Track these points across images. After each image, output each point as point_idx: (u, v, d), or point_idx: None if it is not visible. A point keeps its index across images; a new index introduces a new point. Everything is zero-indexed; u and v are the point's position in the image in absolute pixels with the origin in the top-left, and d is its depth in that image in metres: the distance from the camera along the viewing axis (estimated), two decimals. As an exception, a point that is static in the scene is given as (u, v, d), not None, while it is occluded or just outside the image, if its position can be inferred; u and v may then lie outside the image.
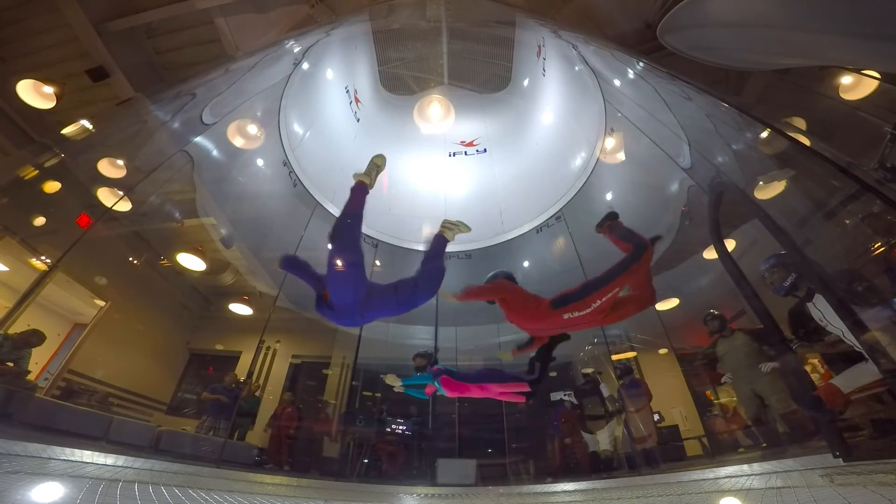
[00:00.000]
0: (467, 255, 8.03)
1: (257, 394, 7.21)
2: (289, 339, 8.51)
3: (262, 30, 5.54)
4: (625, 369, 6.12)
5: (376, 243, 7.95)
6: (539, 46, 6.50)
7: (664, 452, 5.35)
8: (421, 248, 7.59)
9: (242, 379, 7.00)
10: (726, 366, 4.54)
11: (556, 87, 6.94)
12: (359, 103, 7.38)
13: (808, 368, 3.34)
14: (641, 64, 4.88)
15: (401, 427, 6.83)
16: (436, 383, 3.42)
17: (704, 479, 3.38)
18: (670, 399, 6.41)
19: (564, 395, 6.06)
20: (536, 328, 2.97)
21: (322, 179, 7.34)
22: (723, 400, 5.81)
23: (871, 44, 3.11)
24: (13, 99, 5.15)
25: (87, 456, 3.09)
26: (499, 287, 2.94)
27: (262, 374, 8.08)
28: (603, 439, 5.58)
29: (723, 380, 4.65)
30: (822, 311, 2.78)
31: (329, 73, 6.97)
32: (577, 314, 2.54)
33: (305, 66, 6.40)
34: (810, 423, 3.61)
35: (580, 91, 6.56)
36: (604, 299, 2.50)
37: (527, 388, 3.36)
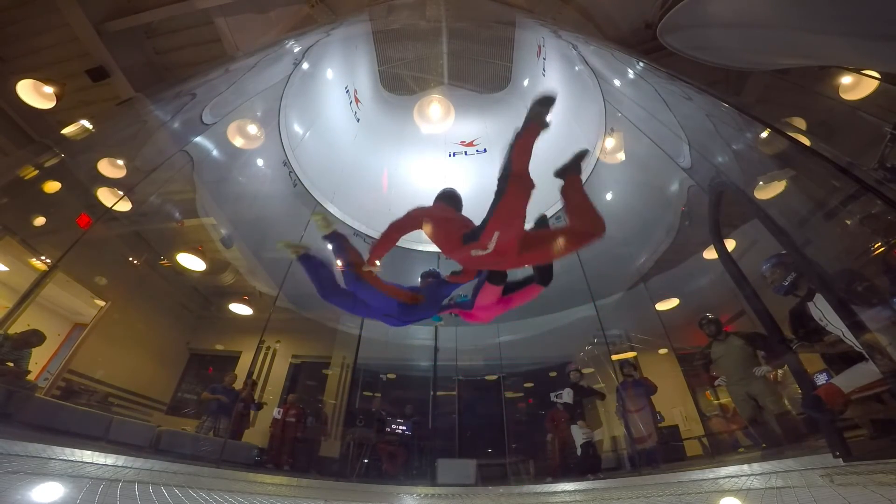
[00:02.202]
0: (467, 255, 8.02)
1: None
2: (289, 339, 8.52)
3: (262, 30, 5.53)
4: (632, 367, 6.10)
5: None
6: (539, 46, 6.51)
7: (664, 452, 5.36)
8: (421, 247, 7.60)
9: (242, 380, 6.99)
10: (721, 369, 4.57)
11: (556, 86, 6.94)
12: (359, 103, 7.39)
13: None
14: (641, 64, 4.88)
15: (401, 427, 6.83)
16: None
17: (704, 479, 3.38)
18: (670, 399, 6.42)
19: (554, 396, 6.06)
20: (455, 259, 2.70)
21: (322, 179, 7.34)
22: (723, 400, 5.82)
23: (871, 44, 3.11)
24: (13, 99, 5.15)
25: (87, 456, 3.09)
26: (415, 217, 2.69)
27: (262, 374, 8.09)
28: (577, 438, 5.59)
29: (716, 382, 4.70)
30: (822, 310, 2.78)
31: (329, 73, 6.97)
32: (481, 252, 2.34)
33: (305, 66, 6.41)
34: (803, 424, 3.64)
35: (580, 91, 6.57)
36: (493, 240, 2.24)
37: (538, 289, 3.11)
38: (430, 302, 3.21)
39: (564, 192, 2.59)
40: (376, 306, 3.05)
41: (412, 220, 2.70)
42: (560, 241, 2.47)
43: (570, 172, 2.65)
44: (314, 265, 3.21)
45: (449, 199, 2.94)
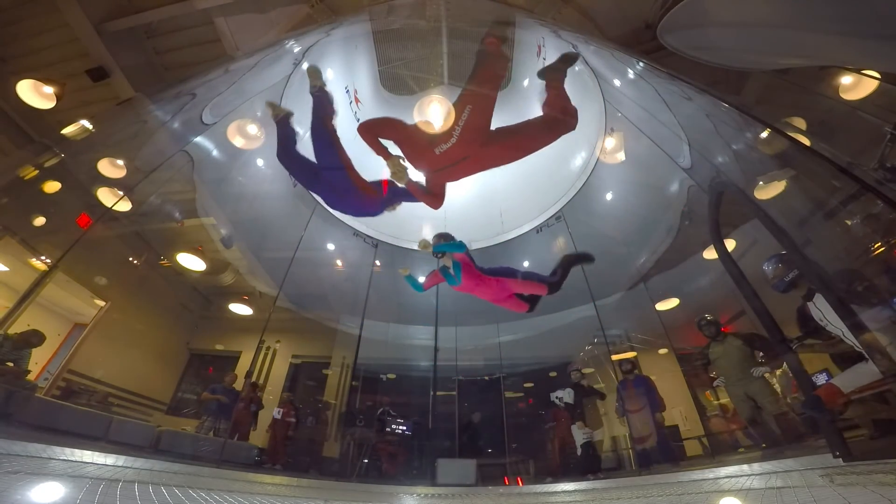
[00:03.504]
0: (467, 255, 8.03)
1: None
2: (289, 339, 8.52)
3: (262, 30, 5.53)
4: (632, 365, 6.09)
5: (376, 243, 7.95)
6: (539, 46, 6.49)
7: (665, 452, 5.36)
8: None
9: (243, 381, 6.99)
10: (719, 369, 4.59)
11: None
12: (359, 103, 7.38)
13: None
14: (641, 64, 4.87)
15: (401, 427, 6.83)
16: (452, 269, 3.45)
17: (704, 479, 3.38)
18: (670, 399, 6.41)
19: (555, 397, 6.08)
20: (420, 166, 3.00)
21: (322, 179, 7.33)
22: (722, 400, 5.82)
23: (871, 44, 3.11)
24: (13, 99, 5.15)
25: (87, 456, 3.09)
26: (388, 121, 3.04)
27: (262, 374, 8.09)
28: (577, 438, 5.63)
29: (714, 383, 4.72)
30: (822, 310, 2.78)
31: (329, 73, 6.95)
32: (444, 146, 2.57)
33: (305, 65, 6.40)
34: (800, 424, 3.65)
35: (580, 91, 6.55)
36: (461, 123, 2.48)
37: (544, 291, 3.55)
38: (383, 199, 3.50)
39: (546, 86, 2.87)
40: (328, 178, 3.32)
41: (387, 121, 3.08)
42: (529, 132, 2.82)
43: (552, 72, 2.93)
44: (286, 130, 3.55)
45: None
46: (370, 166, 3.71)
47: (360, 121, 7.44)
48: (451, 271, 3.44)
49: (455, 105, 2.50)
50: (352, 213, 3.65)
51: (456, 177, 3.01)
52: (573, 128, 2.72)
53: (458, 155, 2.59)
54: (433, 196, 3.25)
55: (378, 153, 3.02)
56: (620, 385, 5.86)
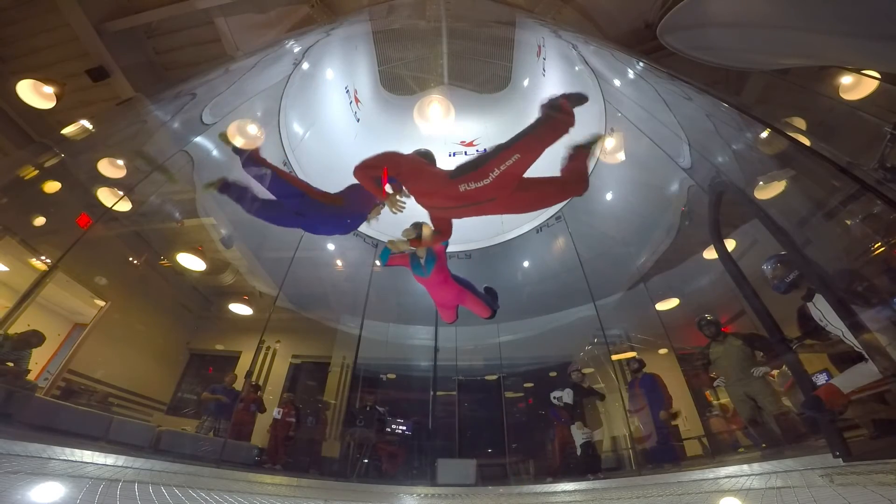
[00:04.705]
0: (467, 255, 8.03)
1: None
2: (289, 339, 8.51)
3: (262, 30, 5.53)
4: (639, 364, 6.10)
5: (376, 243, 7.95)
6: (539, 46, 6.50)
7: (666, 452, 5.36)
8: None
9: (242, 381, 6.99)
10: (720, 369, 4.60)
11: (556, 87, 6.93)
12: (359, 103, 7.38)
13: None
14: (641, 64, 4.87)
15: (401, 427, 6.83)
16: (424, 260, 3.27)
17: (704, 479, 3.38)
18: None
19: (554, 397, 6.08)
20: (433, 203, 2.73)
21: (322, 179, 7.26)
22: (723, 400, 5.82)
23: (871, 44, 3.11)
24: (13, 99, 5.15)
25: (87, 456, 3.09)
26: (388, 157, 2.75)
27: (262, 374, 8.09)
28: (577, 437, 5.67)
29: (715, 383, 4.73)
30: (822, 311, 2.78)
31: (329, 73, 6.97)
32: (474, 185, 2.35)
33: (305, 66, 6.40)
34: (801, 424, 3.65)
35: (580, 91, 6.56)
36: (502, 168, 2.30)
37: (486, 314, 3.57)
38: (350, 207, 3.35)
39: (572, 157, 2.80)
40: (288, 205, 3.21)
41: (387, 157, 2.79)
42: (548, 189, 2.69)
43: (583, 148, 2.89)
44: (235, 189, 3.42)
45: (426, 156, 2.99)
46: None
47: (360, 121, 7.52)
48: (422, 262, 3.35)
49: (505, 148, 2.37)
50: (333, 231, 3.49)
51: (467, 215, 2.76)
52: (580, 194, 2.75)
53: (485, 196, 2.42)
54: (441, 234, 3.08)
55: (375, 193, 2.81)
56: (630, 385, 5.87)
